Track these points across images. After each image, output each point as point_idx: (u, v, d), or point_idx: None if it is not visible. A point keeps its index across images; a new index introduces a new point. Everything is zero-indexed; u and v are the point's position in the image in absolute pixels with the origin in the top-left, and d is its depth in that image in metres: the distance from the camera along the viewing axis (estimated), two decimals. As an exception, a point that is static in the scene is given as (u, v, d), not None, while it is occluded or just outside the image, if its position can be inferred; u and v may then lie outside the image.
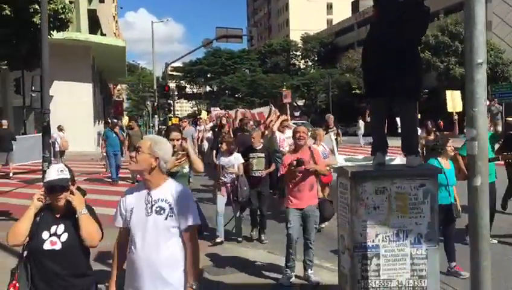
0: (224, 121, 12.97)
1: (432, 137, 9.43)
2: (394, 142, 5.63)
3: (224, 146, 7.70)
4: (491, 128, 7.85)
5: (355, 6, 66.14)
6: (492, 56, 34.79)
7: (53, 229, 3.03)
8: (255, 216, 7.68)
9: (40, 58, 9.87)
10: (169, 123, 25.28)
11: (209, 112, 26.21)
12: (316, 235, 5.84)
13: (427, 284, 3.84)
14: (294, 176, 5.57)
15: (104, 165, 16.14)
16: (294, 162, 5.49)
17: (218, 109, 28.51)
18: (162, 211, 2.89)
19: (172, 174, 4.43)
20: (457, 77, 34.88)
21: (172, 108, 32.50)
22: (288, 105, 13.68)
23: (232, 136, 10.70)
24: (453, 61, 36.91)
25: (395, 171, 4.15)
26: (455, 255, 5.86)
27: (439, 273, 3.99)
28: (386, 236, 3.81)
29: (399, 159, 5.46)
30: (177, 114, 44.56)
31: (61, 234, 3.03)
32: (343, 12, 76.03)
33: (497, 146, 8.09)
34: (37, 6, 12.32)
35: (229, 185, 7.46)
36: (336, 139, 11.01)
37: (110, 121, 18.07)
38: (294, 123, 12.59)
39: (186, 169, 5.61)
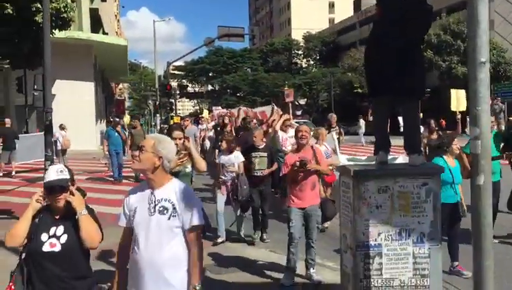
0: (226, 120, 12.95)
1: (434, 136, 9.42)
2: (397, 141, 5.62)
3: (224, 144, 7.67)
4: (496, 127, 7.80)
5: (357, 5, 66.13)
6: (495, 55, 34.75)
7: (52, 230, 2.99)
8: (257, 217, 7.60)
9: (42, 57, 9.87)
10: (171, 122, 25.30)
11: (210, 111, 26.21)
12: (318, 234, 5.84)
13: (430, 283, 3.84)
14: (297, 176, 5.56)
15: (106, 164, 16.15)
16: (298, 163, 5.47)
17: (220, 108, 28.49)
18: (165, 211, 2.85)
19: (174, 174, 4.42)
20: (460, 76, 34.86)
21: (174, 107, 32.53)
22: (290, 104, 13.68)
23: (235, 134, 10.70)
24: (455, 60, 36.88)
25: (397, 170, 4.14)
26: (458, 254, 5.85)
27: (442, 272, 3.98)
28: (389, 235, 3.80)
29: (401, 158, 5.45)
30: (179, 113, 44.58)
31: (60, 236, 2.98)
32: (345, 11, 76.04)
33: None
34: (39, 5, 12.31)
35: (229, 183, 7.42)
36: (338, 138, 10.99)
37: (112, 119, 18.09)
38: (296, 122, 12.58)
39: (188, 168, 5.60)
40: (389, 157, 4.38)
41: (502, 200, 7.32)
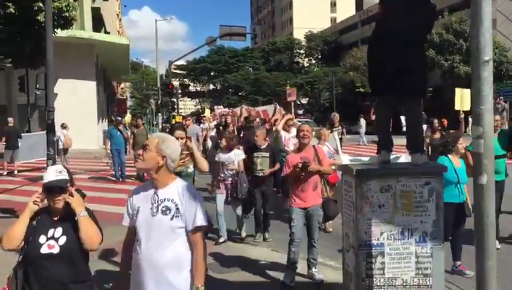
0: (229, 120, 12.90)
1: (437, 136, 9.39)
2: (399, 141, 5.61)
3: (223, 142, 7.64)
4: (503, 125, 7.73)
5: (359, 4, 66.18)
6: (497, 54, 34.65)
7: (50, 232, 2.92)
8: (259, 219, 7.53)
9: (45, 56, 9.89)
10: (173, 121, 25.31)
11: (212, 110, 26.21)
12: (320, 233, 5.83)
13: (432, 282, 3.83)
14: (298, 176, 5.54)
15: (108, 163, 16.16)
16: (299, 165, 5.45)
17: (221, 107, 28.49)
18: (167, 211, 2.81)
19: (176, 174, 4.42)
20: (462, 75, 34.80)
21: (176, 106, 32.51)
22: (292, 103, 13.66)
23: (237, 133, 10.67)
24: (458, 60, 36.80)
25: (400, 169, 4.14)
26: (461, 254, 5.84)
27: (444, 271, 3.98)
28: (391, 234, 3.79)
29: (404, 157, 5.44)
30: (181, 112, 44.56)
31: (59, 238, 2.91)
32: (347, 10, 76.05)
33: None
34: (41, 4, 12.33)
35: (228, 182, 7.35)
36: (341, 138, 10.98)
37: (114, 119, 18.09)
38: (298, 121, 12.57)
39: (190, 169, 5.59)
40: (392, 156, 4.37)
41: (505, 200, 7.26)
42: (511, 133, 7.53)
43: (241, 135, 10.75)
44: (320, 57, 68.44)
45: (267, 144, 7.77)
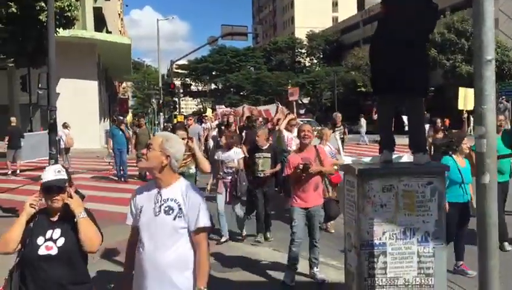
0: (231, 120, 12.88)
1: (439, 135, 9.35)
2: (401, 140, 5.60)
3: (223, 140, 7.62)
4: (507, 125, 7.68)
5: (360, 3, 66.13)
6: (499, 54, 34.59)
7: (48, 233, 2.87)
8: (261, 219, 7.50)
9: (47, 56, 9.92)
10: (175, 121, 25.32)
11: (214, 110, 26.22)
12: (322, 233, 5.83)
13: (434, 282, 3.83)
14: (299, 177, 5.53)
15: (110, 163, 16.18)
16: (301, 166, 5.44)
17: (223, 106, 28.49)
18: (170, 211, 2.78)
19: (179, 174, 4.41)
20: (464, 74, 34.75)
21: (177, 106, 32.51)
22: (294, 103, 13.64)
23: (239, 132, 10.66)
24: (459, 59, 36.76)
25: (402, 168, 4.13)
26: (463, 254, 5.83)
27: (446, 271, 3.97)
28: (393, 234, 3.79)
29: (406, 157, 5.43)
30: (182, 112, 44.61)
31: (57, 239, 2.87)
32: (348, 9, 76.01)
33: None
34: (43, 4, 12.37)
35: (228, 180, 7.33)
36: (342, 138, 10.97)
37: (116, 118, 18.11)
38: (300, 121, 12.55)
39: (192, 169, 5.59)
40: (394, 156, 4.37)
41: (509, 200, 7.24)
42: None
43: (243, 135, 10.75)
44: (321, 56, 68.39)
45: (268, 144, 7.75)
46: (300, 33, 73.18)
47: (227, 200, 7.34)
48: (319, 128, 10.00)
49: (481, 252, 2.75)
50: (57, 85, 10.79)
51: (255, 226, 7.60)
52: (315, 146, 5.96)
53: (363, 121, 28.86)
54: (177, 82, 57.31)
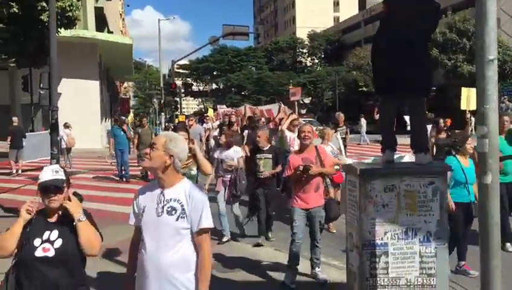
0: (233, 119, 12.85)
1: (442, 135, 9.32)
2: (403, 140, 5.60)
3: (223, 138, 7.61)
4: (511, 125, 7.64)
5: (362, 3, 66.07)
6: (501, 53, 34.51)
7: (46, 235, 2.84)
8: (262, 222, 7.45)
9: (48, 56, 9.93)
10: (176, 121, 25.32)
11: (215, 110, 26.22)
12: (323, 233, 5.82)
13: (436, 282, 3.82)
14: (300, 178, 5.52)
15: (111, 163, 16.20)
16: (301, 168, 5.43)
17: (224, 106, 28.51)
18: (173, 212, 2.76)
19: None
20: (465, 74, 34.69)
21: (179, 105, 32.52)
22: (296, 103, 13.63)
23: (240, 132, 10.65)
24: (461, 59, 36.68)
25: (404, 168, 4.13)
26: (466, 255, 5.82)
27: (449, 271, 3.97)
28: (395, 234, 3.79)
29: (408, 157, 5.43)
30: (184, 111, 44.63)
31: (54, 240, 2.83)
32: (350, 9, 75.91)
33: None
34: (44, 4, 12.38)
35: (227, 179, 7.30)
36: (344, 138, 10.94)
37: (117, 118, 18.12)
38: (302, 121, 12.53)
39: (194, 171, 5.58)
40: (396, 156, 4.36)
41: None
42: None
43: (245, 135, 10.74)
44: (323, 56, 68.34)
45: (269, 145, 7.72)
46: (302, 33, 73.13)
47: (226, 198, 7.32)
48: (321, 128, 9.97)
49: (483, 253, 2.74)
50: (58, 85, 10.81)
51: (256, 227, 7.59)
52: (315, 146, 5.94)
53: (363, 121, 28.98)
54: (179, 82, 57.30)
